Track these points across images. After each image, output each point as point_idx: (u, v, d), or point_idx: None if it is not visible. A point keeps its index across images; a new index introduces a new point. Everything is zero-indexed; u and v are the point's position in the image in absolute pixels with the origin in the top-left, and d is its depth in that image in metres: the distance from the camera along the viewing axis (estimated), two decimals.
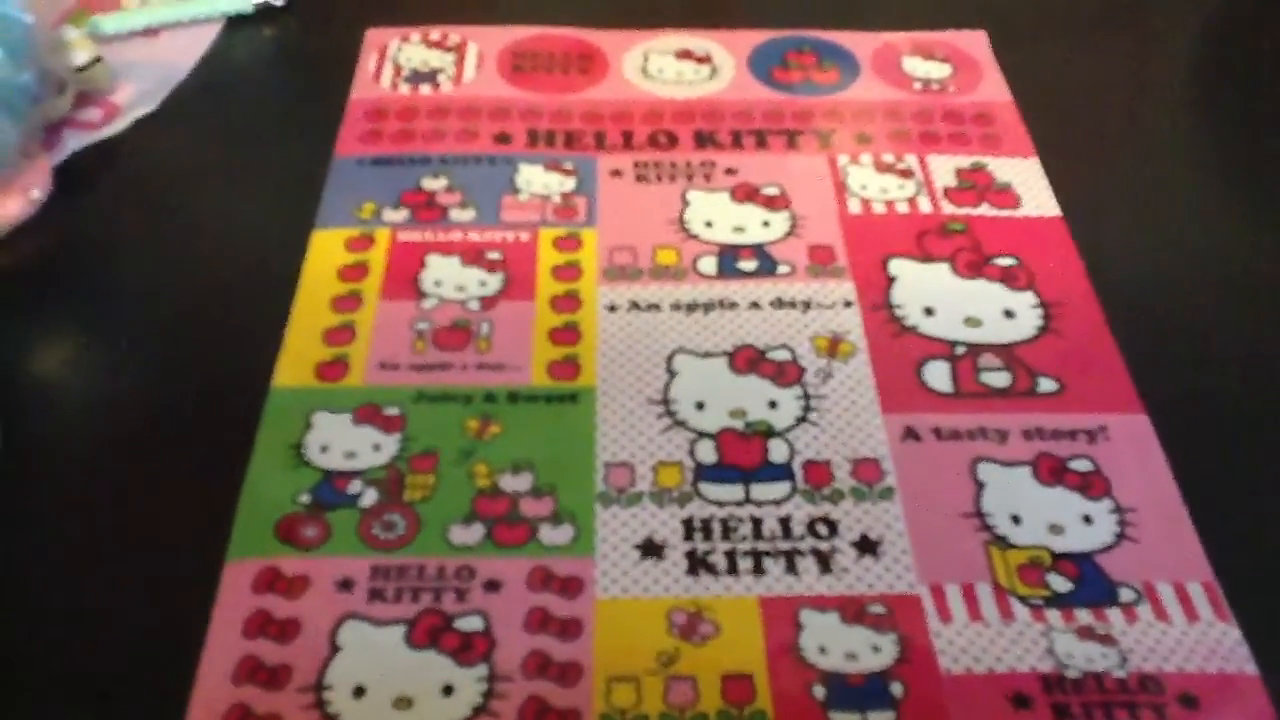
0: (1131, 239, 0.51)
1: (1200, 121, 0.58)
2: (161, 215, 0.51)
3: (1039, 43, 0.62)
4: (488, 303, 0.46)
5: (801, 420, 0.42)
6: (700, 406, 0.43)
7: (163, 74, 0.57)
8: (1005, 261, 0.49)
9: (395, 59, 0.59)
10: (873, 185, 0.52)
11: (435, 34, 0.60)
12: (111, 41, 0.58)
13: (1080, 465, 0.41)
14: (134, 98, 0.55)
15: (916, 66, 0.59)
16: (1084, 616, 0.37)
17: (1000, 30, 0.61)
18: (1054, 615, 0.37)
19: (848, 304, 0.47)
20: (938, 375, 0.44)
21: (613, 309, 0.46)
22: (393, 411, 0.42)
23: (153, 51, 0.58)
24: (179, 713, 0.34)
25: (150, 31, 0.60)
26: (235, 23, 0.61)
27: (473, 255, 0.48)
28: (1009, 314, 0.47)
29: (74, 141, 0.53)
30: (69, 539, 0.39)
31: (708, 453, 0.41)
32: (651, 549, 0.38)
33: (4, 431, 0.41)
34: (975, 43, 0.61)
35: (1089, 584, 0.38)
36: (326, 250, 0.48)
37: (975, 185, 0.52)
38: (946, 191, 0.52)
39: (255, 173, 0.53)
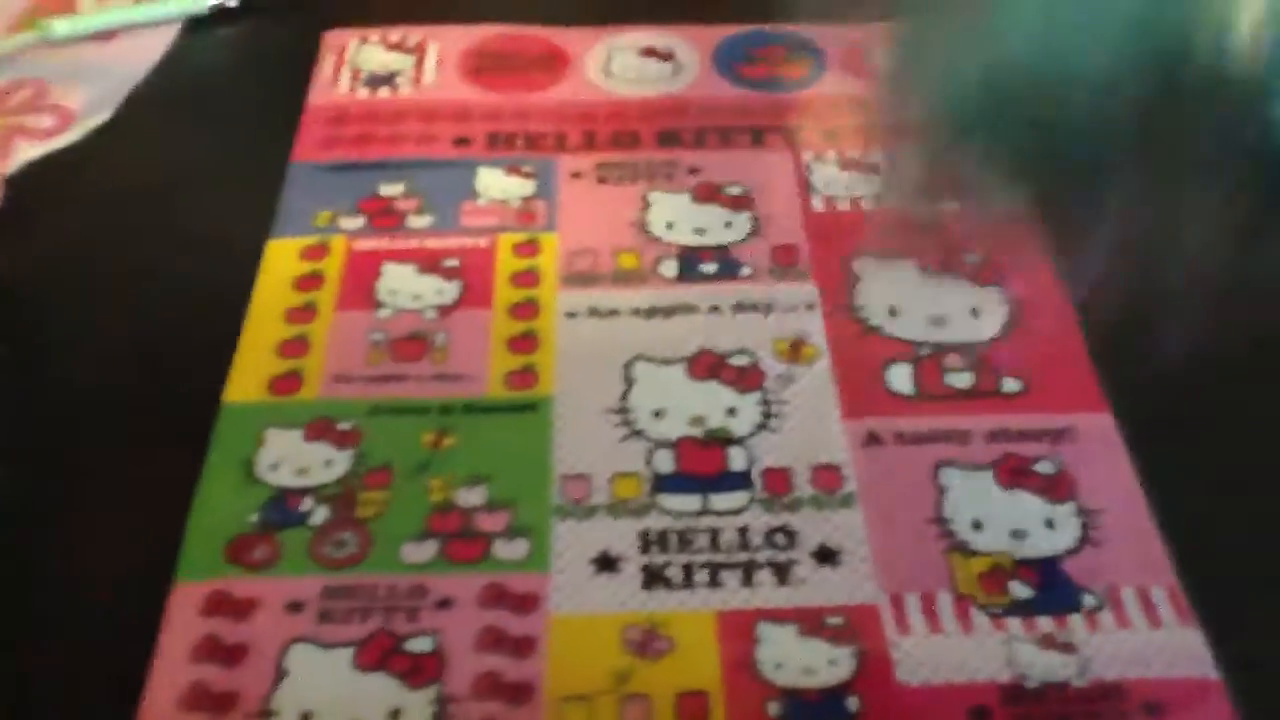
0: (1098, 233, 0.50)
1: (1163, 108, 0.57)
2: (115, 227, 0.50)
3: None
4: (444, 312, 0.46)
5: (761, 427, 0.42)
6: (658, 415, 0.42)
7: (118, 79, 0.56)
8: (973, 258, 0.48)
9: (353, 61, 0.58)
10: (837, 183, 0.51)
11: (395, 35, 0.59)
12: (65, 45, 0.58)
13: (1044, 468, 0.40)
14: (88, 104, 0.55)
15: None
16: (1045, 624, 0.36)
17: None
18: (1014, 624, 0.36)
19: (810, 306, 0.46)
20: (900, 378, 0.43)
21: (572, 315, 0.46)
22: (346, 426, 0.42)
23: (107, 56, 0.57)
24: None
25: (105, 35, 0.59)
26: (192, 25, 0.60)
27: (429, 263, 0.48)
28: (975, 312, 0.46)
29: (25, 151, 0.52)
30: (14, 562, 0.38)
31: (666, 462, 0.41)
32: (607, 563, 0.38)
33: None
34: None
35: (1051, 590, 0.37)
36: (281, 260, 0.48)
37: None
38: None
39: (211, 181, 0.52)
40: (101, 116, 0.54)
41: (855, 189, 0.51)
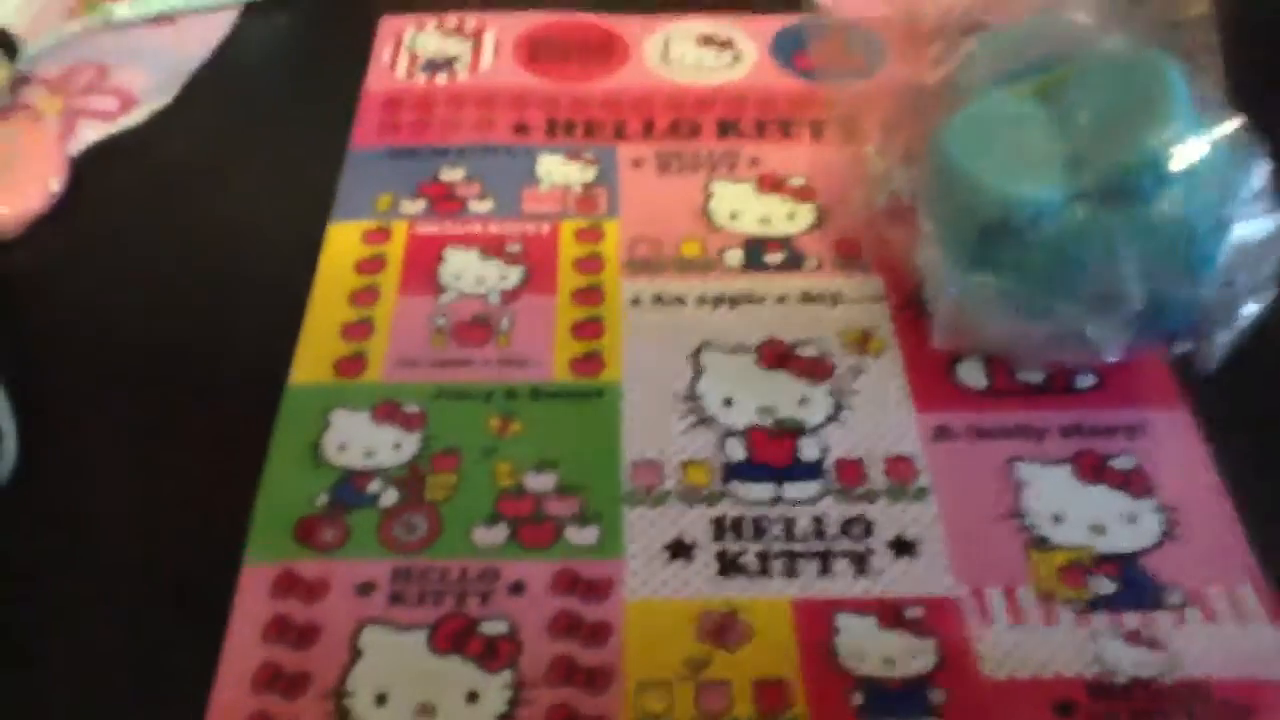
0: None
1: None
2: (177, 208, 0.50)
3: None
4: (508, 296, 0.45)
5: (833, 418, 0.41)
6: (728, 403, 0.42)
7: (178, 63, 0.56)
8: None
9: (411, 47, 0.58)
10: (900, 176, 0.51)
11: (451, 21, 0.59)
12: (125, 28, 0.57)
13: (1122, 463, 0.40)
14: (149, 88, 0.54)
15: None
16: (1130, 620, 0.36)
17: None
18: (1098, 619, 0.36)
19: (877, 299, 0.46)
20: (972, 372, 0.43)
21: (636, 302, 0.45)
22: (413, 409, 0.41)
23: (167, 39, 0.57)
24: None
25: (164, 19, 0.59)
26: (250, 9, 0.60)
27: (492, 248, 0.47)
28: None
29: (90, 132, 0.52)
30: (82, 542, 0.38)
31: (737, 450, 0.40)
32: (681, 550, 0.37)
33: (18, 431, 0.40)
34: None
35: (1133, 586, 0.37)
36: (343, 243, 0.47)
37: None
38: None
39: (271, 164, 0.52)
40: (163, 100, 0.54)
41: (913, 184, 0.50)
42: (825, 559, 0.37)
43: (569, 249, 0.47)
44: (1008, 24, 0.44)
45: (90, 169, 0.51)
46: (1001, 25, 0.44)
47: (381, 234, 0.48)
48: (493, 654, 0.34)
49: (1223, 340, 0.38)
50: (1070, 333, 0.38)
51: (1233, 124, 0.37)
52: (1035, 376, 0.43)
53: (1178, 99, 0.36)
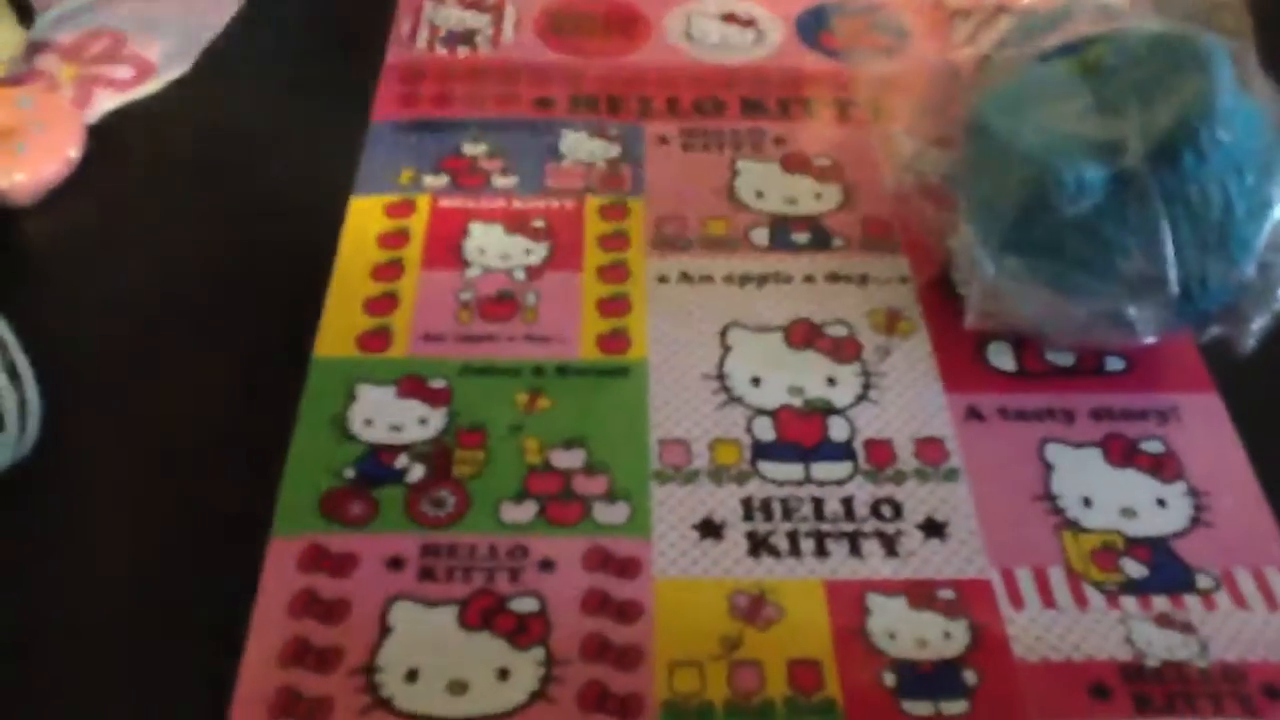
0: None
1: None
2: (195, 179, 0.49)
3: None
4: (533, 272, 0.45)
5: (862, 398, 0.41)
6: (756, 382, 0.41)
7: (196, 32, 0.55)
8: None
9: (431, 19, 0.57)
10: (929, 157, 0.50)
11: None
12: None
13: (1151, 446, 0.40)
14: (167, 56, 0.54)
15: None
16: (1161, 603, 0.35)
17: None
18: (1130, 602, 0.35)
19: (904, 279, 0.45)
20: (1000, 354, 0.43)
21: (663, 280, 0.45)
22: (438, 384, 0.41)
23: (184, 8, 0.57)
24: (226, 695, 0.33)
25: None
26: None
27: (516, 223, 0.47)
28: None
29: (106, 101, 0.51)
30: (108, 514, 0.38)
31: (765, 430, 0.40)
32: (710, 529, 0.37)
33: (45, 401, 0.39)
34: None
35: (1164, 569, 0.36)
36: (366, 217, 0.47)
37: None
38: None
39: (290, 135, 0.51)
40: (180, 69, 0.53)
41: (942, 165, 0.50)
42: (855, 540, 0.37)
43: (594, 225, 0.47)
44: (1042, 4, 0.43)
45: (108, 138, 0.50)
46: (1035, 5, 0.43)
47: (405, 207, 0.47)
48: (523, 630, 0.34)
49: (1258, 324, 0.38)
50: (1107, 314, 0.37)
51: (1275, 104, 0.36)
52: (1064, 359, 0.42)
53: (1221, 78, 0.36)
